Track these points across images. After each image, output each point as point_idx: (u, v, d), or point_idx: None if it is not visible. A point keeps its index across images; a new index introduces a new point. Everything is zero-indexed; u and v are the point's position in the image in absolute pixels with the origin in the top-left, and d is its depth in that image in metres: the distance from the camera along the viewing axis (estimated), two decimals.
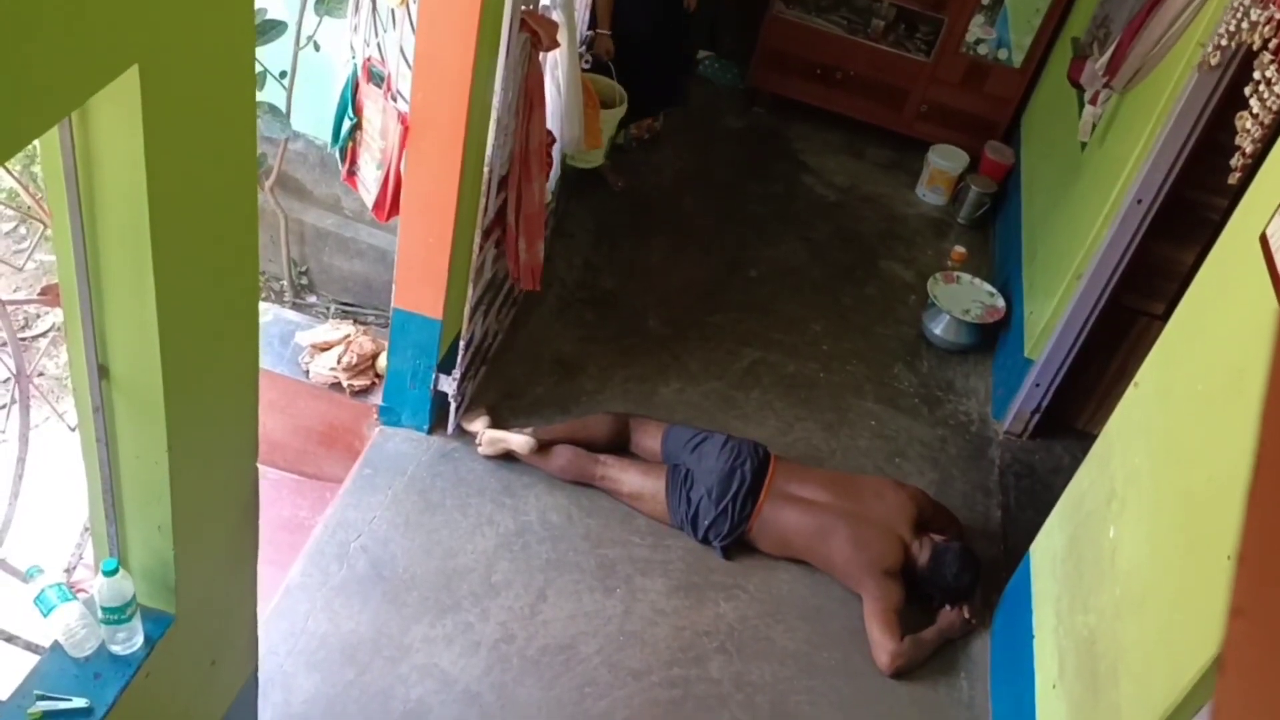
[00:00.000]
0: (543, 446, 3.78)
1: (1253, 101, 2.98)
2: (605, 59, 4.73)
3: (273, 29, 3.34)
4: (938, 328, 4.81)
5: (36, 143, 1.56)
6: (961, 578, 3.55)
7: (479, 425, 3.85)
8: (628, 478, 3.75)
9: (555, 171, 4.15)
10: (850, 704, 3.38)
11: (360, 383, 3.89)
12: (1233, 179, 3.08)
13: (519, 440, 3.76)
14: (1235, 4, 3.14)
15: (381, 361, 3.89)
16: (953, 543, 3.63)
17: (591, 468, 3.77)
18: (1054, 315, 4.20)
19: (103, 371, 1.89)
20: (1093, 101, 4.29)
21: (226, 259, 1.98)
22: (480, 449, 3.81)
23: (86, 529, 2.24)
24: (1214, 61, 3.31)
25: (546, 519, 3.70)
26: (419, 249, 3.42)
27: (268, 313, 4.00)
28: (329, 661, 3.19)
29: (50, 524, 3.19)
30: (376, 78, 3.36)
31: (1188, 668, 2.28)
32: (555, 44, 3.38)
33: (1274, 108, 2.89)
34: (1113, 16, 4.37)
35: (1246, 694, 0.47)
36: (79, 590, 2.23)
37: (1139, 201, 3.73)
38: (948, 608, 3.60)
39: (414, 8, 3.12)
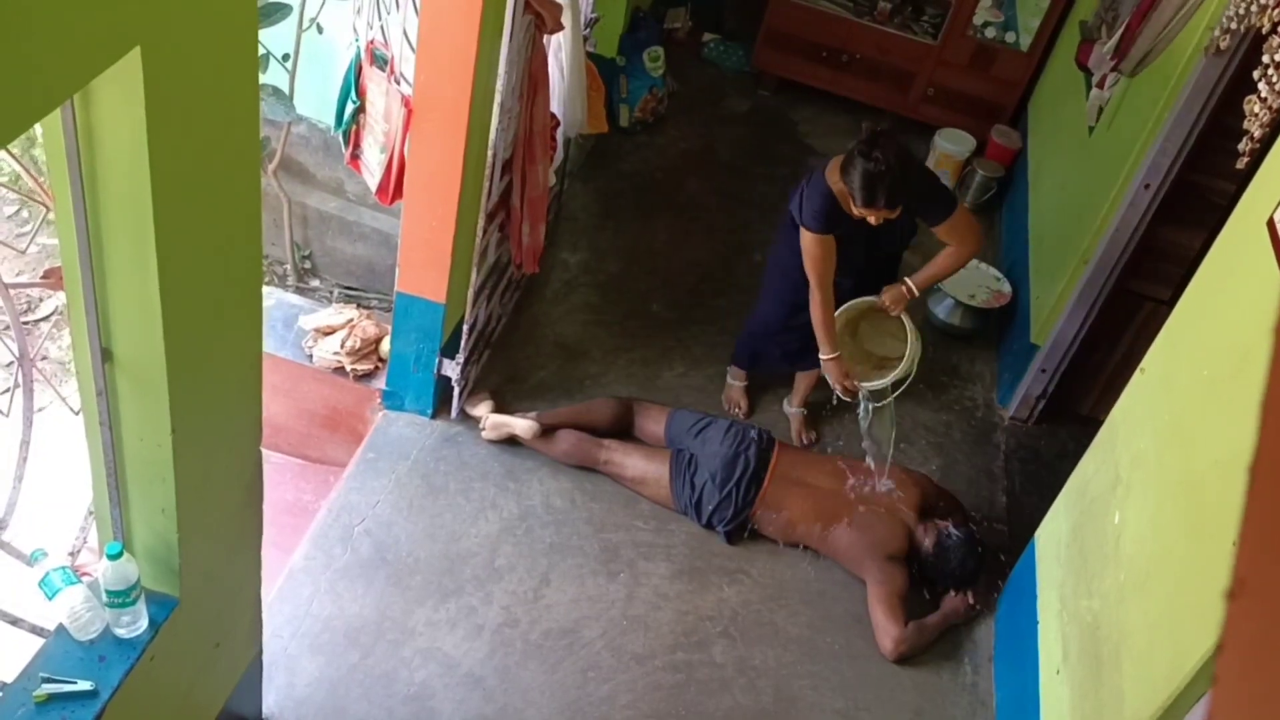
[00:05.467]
0: (546, 431, 3.77)
1: (1261, 85, 2.96)
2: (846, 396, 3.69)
3: (276, 11, 3.32)
4: (943, 312, 4.79)
5: (38, 126, 1.55)
6: (966, 564, 3.55)
7: (483, 410, 3.84)
8: (631, 462, 3.75)
9: (559, 154, 4.13)
10: (853, 688, 3.39)
11: (363, 367, 3.89)
12: (1240, 163, 3.07)
13: (522, 425, 3.76)
14: None
15: (385, 346, 3.88)
16: (958, 529, 3.62)
17: (595, 452, 3.76)
18: (1060, 300, 4.19)
19: (106, 355, 1.89)
20: (1100, 85, 4.27)
21: (229, 243, 1.97)
22: (484, 434, 3.80)
23: (90, 512, 2.24)
24: (1223, 45, 3.28)
25: (550, 503, 3.70)
26: (422, 232, 3.41)
27: (271, 296, 3.99)
28: (333, 644, 3.19)
29: (54, 507, 3.19)
30: (380, 60, 3.35)
31: (1192, 652, 2.28)
32: (559, 26, 3.36)
33: None
34: None
35: (1247, 671, 0.46)
36: (83, 573, 2.23)
37: (1146, 186, 3.71)
38: (952, 593, 3.60)
39: None
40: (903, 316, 3.66)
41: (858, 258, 3.60)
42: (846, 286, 3.63)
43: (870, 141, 3.25)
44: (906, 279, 3.63)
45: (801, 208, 3.46)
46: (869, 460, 3.74)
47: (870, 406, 3.73)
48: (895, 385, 3.71)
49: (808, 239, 3.46)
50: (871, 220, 3.36)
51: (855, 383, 3.69)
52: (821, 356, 3.65)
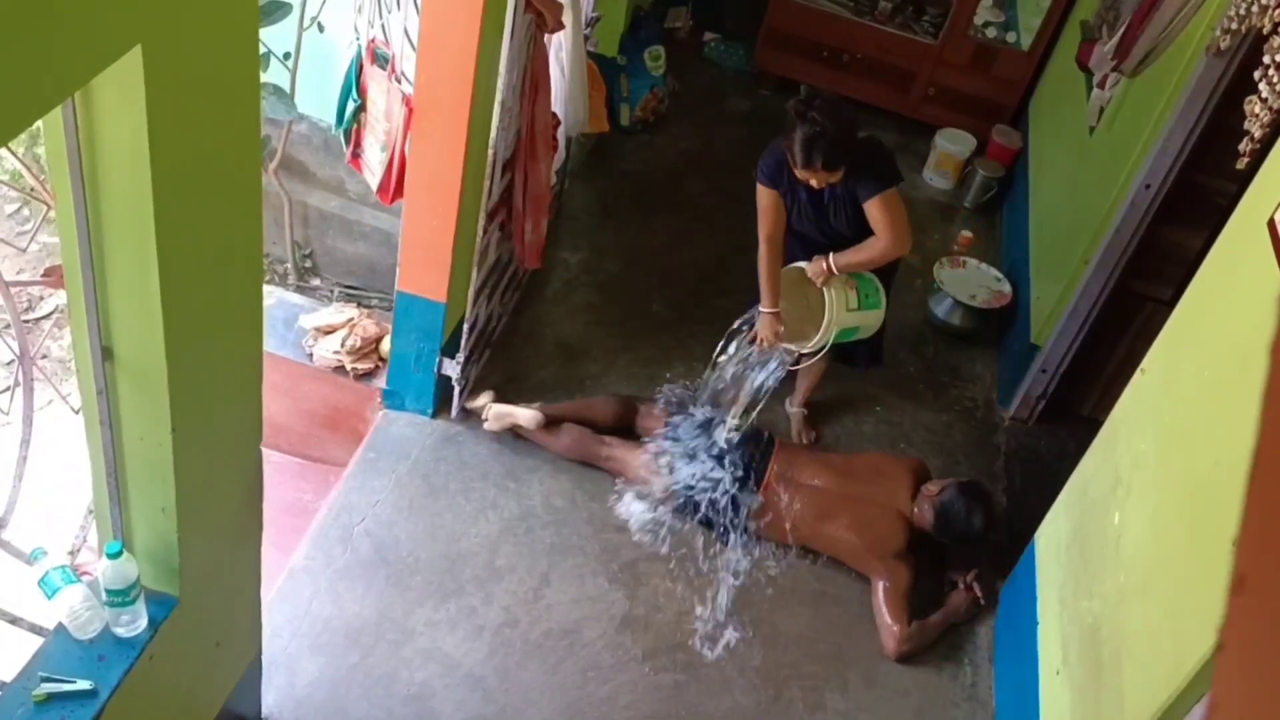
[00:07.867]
0: (549, 423, 3.76)
1: (1262, 86, 2.96)
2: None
3: (277, 10, 3.32)
4: (943, 312, 4.79)
5: (40, 124, 1.55)
6: (974, 518, 3.51)
7: (484, 400, 3.83)
8: (632, 459, 3.75)
9: (560, 154, 4.13)
10: (853, 688, 3.39)
11: (364, 366, 3.89)
12: (1241, 164, 3.07)
13: (526, 414, 3.74)
14: None
15: (385, 345, 3.88)
16: (949, 486, 3.58)
17: (596, 448, 3.76)
18: (1061, 301, 4.18)
19: (106, 353, 1.89)
20: (1101, 85, 4.26)
21: (230, 241, 1.97)
22: (486, 424, 3.79)
23: (90, 511, 2.24)
24: (1224, 45, 3.28)
25: (550, 503, 3.70)
26: (423, 232, 3.41)
27: (271, 295, 3.99)
28: (333, 645, 3.19)
29: (54, 506, 3.19)
30: (381, 59, 3.35)
31: (1191, 653, 2.28)
32: (560, 25, 3.36)
33: None
34: None
35: (1247, 670, 0.46)
36: (83, 573, 2.23)
37: (1147, 186, 3.71)
38: (959, 588, 3.59)
39: None
40: (825, 291, 3.60)
41: (809, 230, 3.60)
42: (800, 260, 3.67)
43: (806, 102, 3.28)
44: (831, 254, 3.56)
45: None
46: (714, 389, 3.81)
47: (781, 362, 3.75)
48: (809, 356, 3.76)
49: (758, 192, 3.56)
50: (813, 183, 3.39)
51: (779, 342, 3.68)
52: (760, 309, 3.65)
